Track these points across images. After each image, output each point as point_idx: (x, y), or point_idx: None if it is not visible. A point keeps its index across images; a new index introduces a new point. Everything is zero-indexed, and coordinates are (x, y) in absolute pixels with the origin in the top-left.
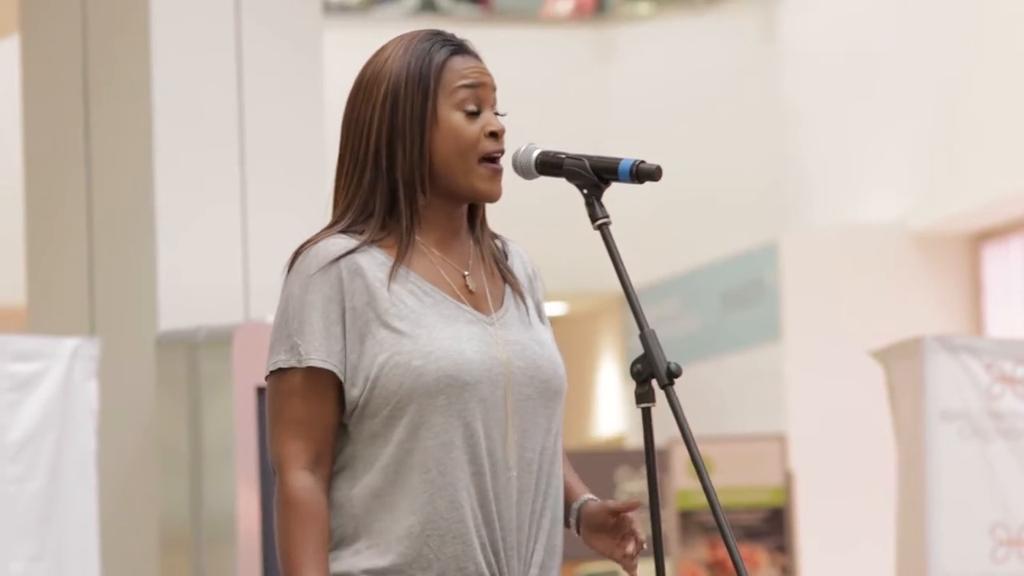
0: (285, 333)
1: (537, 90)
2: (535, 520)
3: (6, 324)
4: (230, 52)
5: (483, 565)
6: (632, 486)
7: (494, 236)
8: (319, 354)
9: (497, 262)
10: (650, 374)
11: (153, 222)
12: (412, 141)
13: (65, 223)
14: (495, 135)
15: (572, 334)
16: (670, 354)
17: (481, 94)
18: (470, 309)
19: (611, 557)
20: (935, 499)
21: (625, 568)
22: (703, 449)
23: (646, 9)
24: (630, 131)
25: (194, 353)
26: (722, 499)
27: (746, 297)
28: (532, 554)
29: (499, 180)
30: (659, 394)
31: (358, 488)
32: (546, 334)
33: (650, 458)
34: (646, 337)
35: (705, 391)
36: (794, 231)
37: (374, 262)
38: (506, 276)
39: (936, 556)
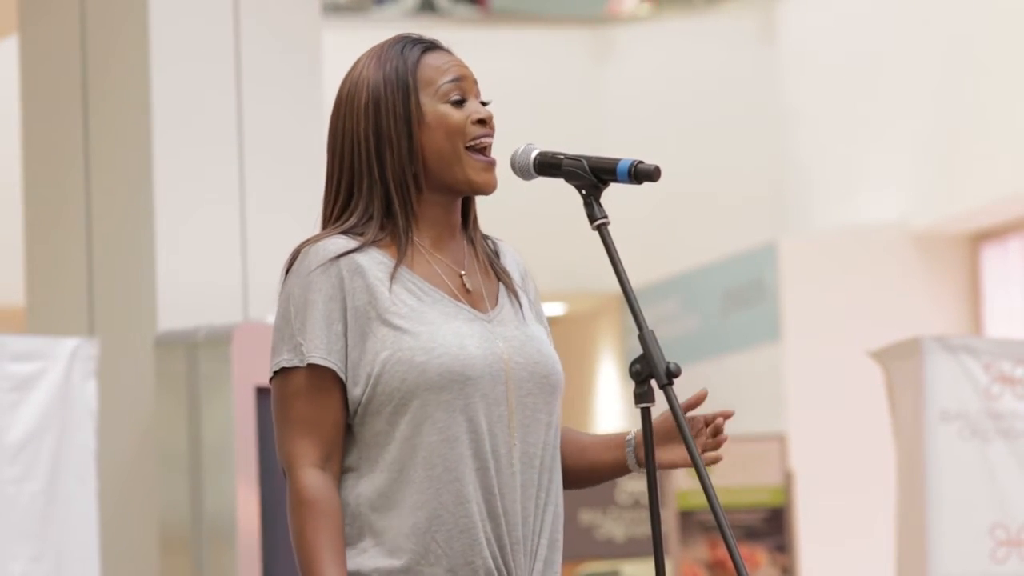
0: (288, 333)
1: (536, 90)
2: (539, 515)
3: (5, 324)
4: (229, 52)
5: (490, 560)
6: (632, 486)
7: (485, 236)
8: (320, 352)
9: (491, 261)
10: (649, 374)
11: (152, 222)
12: (399, 142)
13: (64, 223)
14: (483, 122)
15: (571, 334)
16: (670, 354)
17: (464, 86)
18: (468, 308)
19: (691, 458)
20: (935, 499)
21: (712, 454)
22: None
23: (645, 9)
24: (629, 131)
25: (193, 353)
26: (722, 499)
27: (746, 297)
28: (537, 548)
29: (493, 171)
30: (659, 394)
31: (364, 487)
32: (541, 331)
33: (650, 458)
34: (645, 337)
35: None
36: (794, 231)
37: (373, 262)
38: (500, 275)
39: (936, 556)
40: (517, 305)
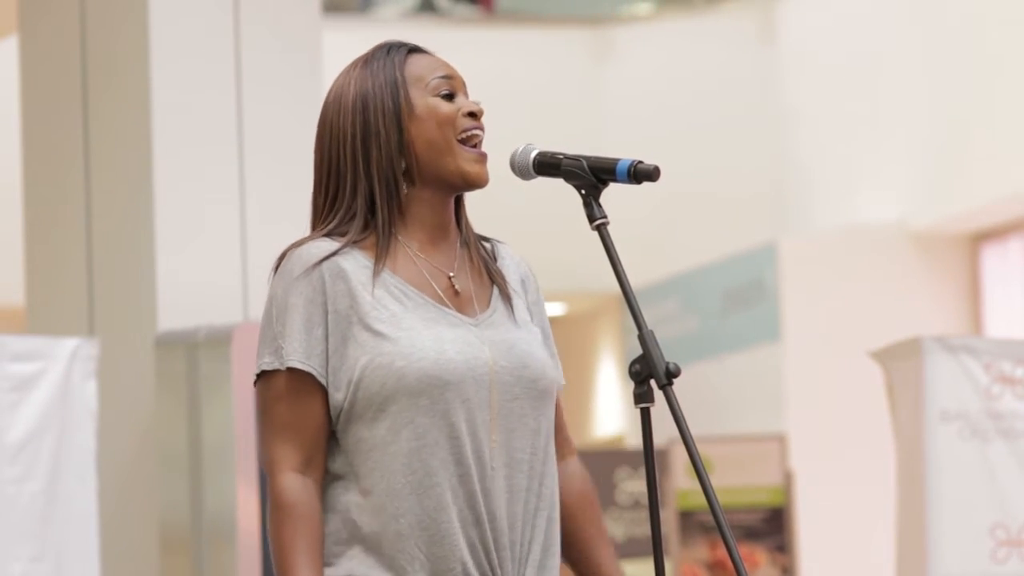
0: (270, 336)
1: (535, 90)
2: (529, 519)
3: (5, 324)
4: (229, 52)
5: (471, 565)
6: (632, 486)
7: (484, 239)
8: (299, 355)
9: (485, 264)
10: (649, 374)
11: (152, 222)
12: (389, 135)
13: (64, 223)
14: (473, 115)
15: (571, 334)
16: (669, 354)
17: (453, 83)
18: (454, 312)
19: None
20: (935, 499)
21: None
22: (702, 449)
23: (645, 9)
24: (628, 131)
25: (193, 353)
26: (722, 499)
27: (746, 297)
28: (528, 553)
29: (484, 164)
30: (658, 394)
31: (352, 493)
32: (535, 334)
33: (649, 458)
34: (645, 337)
35: (705, 391)
36: (794, 231)
37: (356, 265)
38: (494, 277)
39: (936, 556)
40: (511, 309)
